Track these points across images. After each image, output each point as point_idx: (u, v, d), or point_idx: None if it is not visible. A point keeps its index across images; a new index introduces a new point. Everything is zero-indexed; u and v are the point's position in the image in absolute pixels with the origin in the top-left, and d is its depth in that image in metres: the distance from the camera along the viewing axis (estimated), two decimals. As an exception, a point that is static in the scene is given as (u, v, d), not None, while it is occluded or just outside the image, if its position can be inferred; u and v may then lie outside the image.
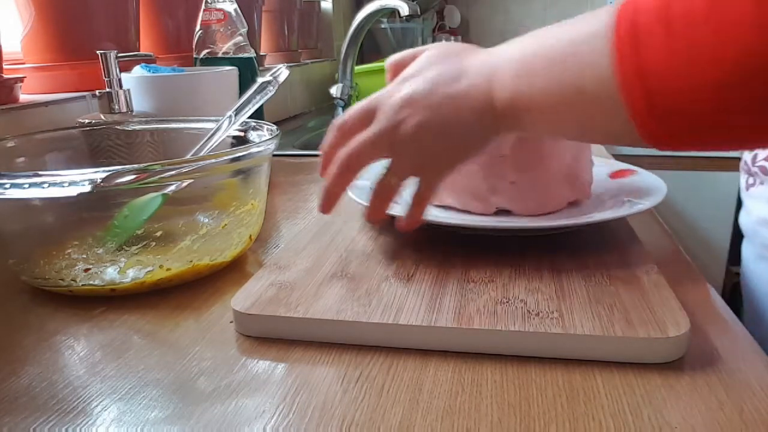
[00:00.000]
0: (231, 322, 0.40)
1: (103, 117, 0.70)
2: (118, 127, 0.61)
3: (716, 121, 0.29)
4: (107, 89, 0.70)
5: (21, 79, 0.73)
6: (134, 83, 0.73)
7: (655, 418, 0.29)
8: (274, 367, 0.35)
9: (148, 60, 0.80)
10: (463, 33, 2.44)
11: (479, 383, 0.33)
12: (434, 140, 0.39)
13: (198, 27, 0.85)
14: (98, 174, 0.38)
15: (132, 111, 0.72)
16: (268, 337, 0.38)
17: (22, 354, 0.38)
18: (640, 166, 0.59)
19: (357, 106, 0.42)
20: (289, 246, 0.49)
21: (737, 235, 1.94)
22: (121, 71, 0.71)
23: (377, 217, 0.44)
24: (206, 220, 0.53)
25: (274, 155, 0.51)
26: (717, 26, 0.27)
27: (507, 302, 0.38)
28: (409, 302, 0.39)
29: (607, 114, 0.32)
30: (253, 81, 0.55)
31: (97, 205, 0.48)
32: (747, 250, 0.68)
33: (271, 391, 0.33)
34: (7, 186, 0.39)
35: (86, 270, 0.44)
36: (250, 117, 0.55)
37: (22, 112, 0.70)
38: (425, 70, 0.40)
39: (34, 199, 0.44)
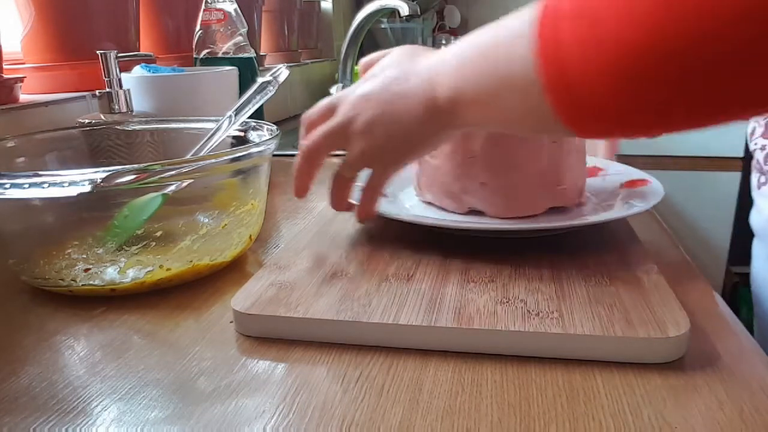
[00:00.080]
0: (231, 322, 0.40)
1: (103, 117, 0.70)
2: (118, 127, 0.61)
3: (627, 104, 0.29)
4: (107, 89, 0.70)
5: (21, 79, 0.73)
6: (134, 83, 0.73)
7: (655, 418, 0.29)
8: (274, 367, 0.35)
9: (148, 60, 0.80)
10: (463, 33, 2.42)
11: (479, 383, 0.33)
12: (383, 134, 0.41)
13: (198, 27, 0.85)
14: (98, 174, 0.38)
15: (132, 111, 0.72)
16: (268, 337, 0.38)
17: (22, 354, 0.38)
18: (641, 166, 0.59)
19: (322, 102, 0.45)
20: (289, 246, 0.49)
21: (737, 235, 1.95)
22: (121, 71, 0.71)
23: (339, 206, 0.47)
24: (206, 220, 0.53)
25: (274, 155, 0.51)
26: (623, 8, 0.27)
27: (507, 302, 0.38)
28: (409, 302, 0.39)
29: (531, 102, 0.32)
30: (253, 81, 0.54)
31: (97, 205, 0.48)
32: (758, 248, 0.68)
33: (271, 391, 0.33)
34: (7, 186, 0.39)
35: (86, 270, 0.44)
36: (250, 117, 0.55)
37: (22, 112, 0.70)
38: (385, 69, 0.43)
39: (34, 199, 0.44)
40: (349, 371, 0.34)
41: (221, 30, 0.84)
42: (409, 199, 0.58)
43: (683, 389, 0.32)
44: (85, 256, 0.45)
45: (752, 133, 0.70)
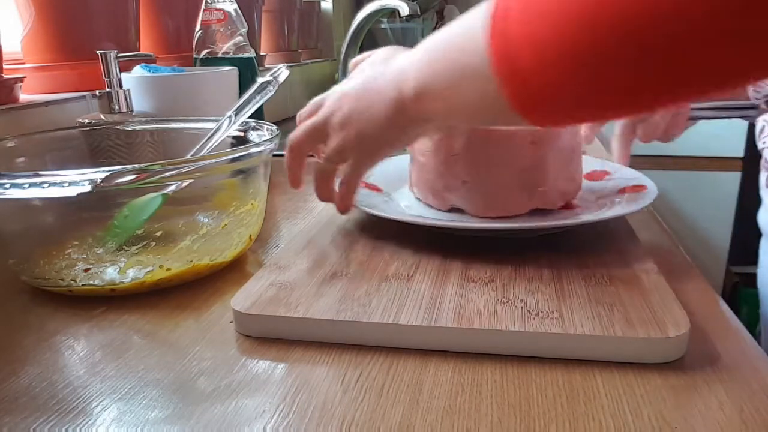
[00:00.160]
0: (231, 322, 0.40)
1: (103, 117, 0.70)
2: (118, 127, 0.61)
3: (580, 92, 0.30)
4: (107, 89, 0.70)
5: (21, 79, 0.73)
6: (134, 83, 0.73)
7: (655, 418, 0.29)
8: (274, 367, 0.35)
9: (148, 60, 0.80)
10: (463, 33, 2.43)
11: (479, 383, 0.33)
12: (356, 129, 0.43)
13: (198, 27, 0.85)
14: (98, 174, 0.38)
15: (132, 111, 0.72)
16: (268, 337, 0.38)
17: (22, 354, 0.38)
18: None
19: (313, 100, 0.48)
20: (289, 246, 0.49)
21: (737, 235, 1.95)
22: (121, 71, 0.71)
23: (323, 197, 0.49)
24: (206, 220, 0.53)
25: (274, 155, 0.51)
26: (564, 2, 0.28)
27: (507, 302, 0.38)
28: (409, 302, 0.39)
29: (490, 96, 0.32)
30: (253, 81, 0.55)
31: (97, 205, 0.48)
32: (766, 247, 0.68)
33: (271, 391, 0.33)
34: (7, 186, 0.39)
35: (86, 270, 0.44)
36: (250, 117, 0.55)
37: (22, 112, 0.70)
38: (365, 69, 0.46)
39: (34, 199, 0.44)
40: (349, 371, 0.34)
41: (221, 30, 0.84)
42: (404, 198, 0.58)
43: (683, 389, 0.32)
44: (85, 256, 0.45)
45: (761, 132, 0.70)
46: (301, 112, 0.49)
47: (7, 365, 0.36)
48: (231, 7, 0.84)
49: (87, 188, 0.38)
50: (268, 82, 0.54)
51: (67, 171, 0.38)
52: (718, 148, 1.79)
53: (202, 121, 0.60)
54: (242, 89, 0.74)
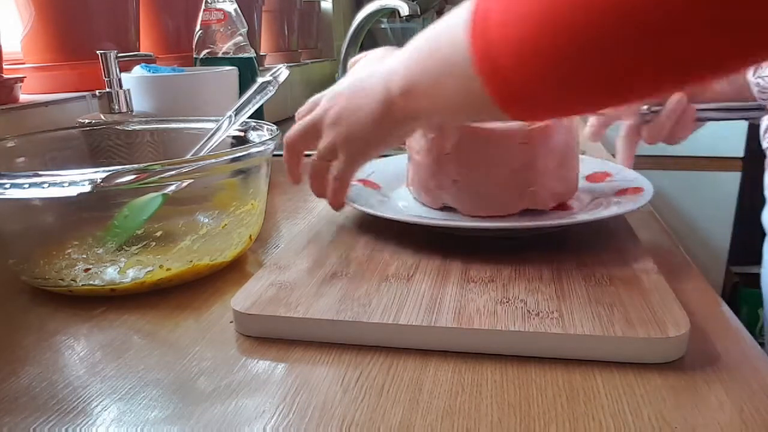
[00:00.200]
0: (231, 322, 0.40)
1: (103, 117, 0.70)
2: (118, 127, 0.61)
3: (559, 89, 0.30)
4: (107, 89, 0.70)
5: (21, 79, 0.73)
6: (134, 83, 0.73)
7: (655, 418, 0.29)
8: (274, 367, 0.35)
9: (148, 60, 0.80)
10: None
11: (479, 383, 0.33)
12: (347, 127, 0.44)
13: (198, 27, 0.85)
14: (98, 174, 0.38)
15: (132, 111, 0.72)
16: (268, 337, 0.38)
17: (22, 354, 0.38)
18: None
19: (310, 99, 0.49)
20: (289, 246, 0.49)
21: (737, 235, 1.94)
22: (121, 71, 0.71)
23: (317, 192, 0.50)
24: (206, 220, 0.53)
25: (274, 155, 0.51)
26: (544, 3, 0.28)
27: (507, 302, 0.38)
28: (409, 302, 0.39)
29: (474, 94, 0.33)
30: (253, 81, 0.55)
31: (97, 205, 0.48)
32: None
33: (271, 391, 0.33)
34: (7, 186, 0.38)
35: (86, 270, 0.44)
36: (250, 117, 0.55)
37: (22, 112, 0.70)
38: (359, 69, 0.47)
39: (34, 199, 0.44)
40: (349, 371, 0.34)
41: (221, 30, 0.84)
42: (402, 197, 0.58)
43: (683, 389, 0.32)
44: (85, 256, 0.45)
45: (766, 131, 0.69)
46: (300, 110, 0.50)
47: (7, 365, 0.36)
48: (231, 7, 0.84)
49: (87, 188, 0.38)
50: (268, 82, 0.54)
51: (67, 171, 0.38)
52: (718, 148, 1.79)
53: (202, 121, 0.60)
54: (242, 89, 0.74)
